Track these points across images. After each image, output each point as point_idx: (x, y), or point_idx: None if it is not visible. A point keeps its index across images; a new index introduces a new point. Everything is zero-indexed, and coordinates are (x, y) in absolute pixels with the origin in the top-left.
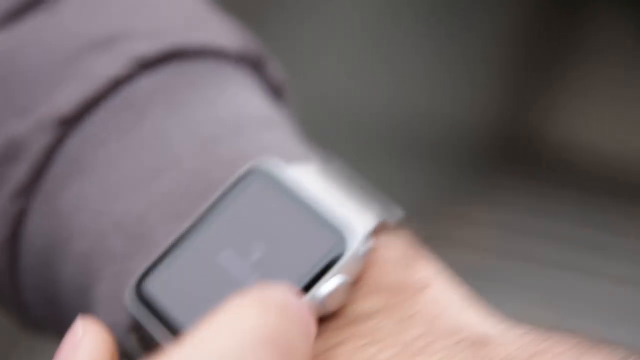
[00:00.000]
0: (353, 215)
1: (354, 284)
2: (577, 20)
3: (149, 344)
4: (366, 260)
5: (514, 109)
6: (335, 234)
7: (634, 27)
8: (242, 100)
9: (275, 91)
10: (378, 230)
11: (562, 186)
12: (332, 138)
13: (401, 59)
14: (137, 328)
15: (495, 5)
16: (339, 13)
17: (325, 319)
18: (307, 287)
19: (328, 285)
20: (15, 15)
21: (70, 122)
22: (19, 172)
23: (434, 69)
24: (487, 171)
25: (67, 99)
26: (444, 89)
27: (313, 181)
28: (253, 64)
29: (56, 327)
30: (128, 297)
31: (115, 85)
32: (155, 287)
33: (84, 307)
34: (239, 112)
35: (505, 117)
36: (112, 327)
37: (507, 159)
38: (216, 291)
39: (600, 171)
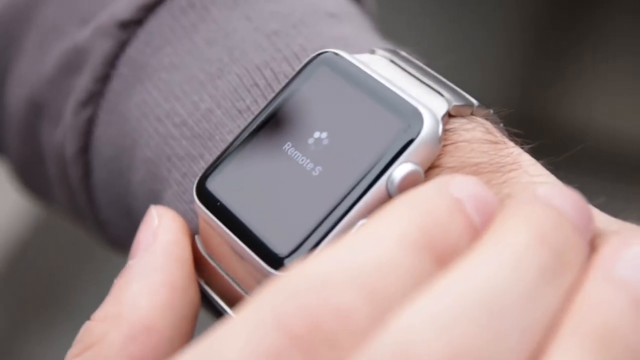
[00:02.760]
0: (426, 98)
1: (433, 168)
2: (592, 4)
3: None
4: (444, 142)
5: (527, 93)
6: (410, 115)
7: None
8: None
9: None
10: (454, 114)
11: (576, 171)
12: None
13: (410, 41)
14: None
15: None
16: None
17: None
18: (382, 172)
19: (405, 167)
20: None
21: (130, 26)
22: (83, 81)
23: (445, 51)
24: None
25: (126, 3)
26: (455, 72)
27: (381, 69)
28: None
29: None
30: (194, 196)
31: None
32: (220, 184)
33: None
34: (305, 5)
35: (517, 101)
36: None
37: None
38: (285, 183)
39: (614, 156)
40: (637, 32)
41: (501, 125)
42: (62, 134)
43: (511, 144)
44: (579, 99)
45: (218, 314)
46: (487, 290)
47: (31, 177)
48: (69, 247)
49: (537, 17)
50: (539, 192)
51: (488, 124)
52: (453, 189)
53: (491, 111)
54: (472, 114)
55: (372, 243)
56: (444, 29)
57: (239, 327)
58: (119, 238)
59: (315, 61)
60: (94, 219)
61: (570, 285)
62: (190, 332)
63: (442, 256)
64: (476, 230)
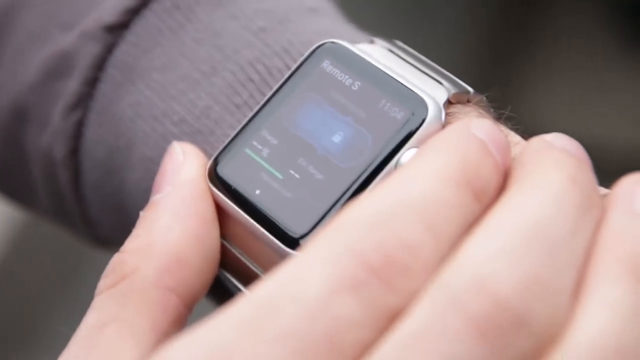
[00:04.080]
0: (428, 87)
1: None
2: (536, 9)
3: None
4: (446, 127)
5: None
6: (415, 102)
7: (593, 13)
8: None
9: None
10: (453, 101)
11: None
12: None
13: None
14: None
15: None
16: None
17: None
18: (390, 157)
19: (412, 152)
20: None
21: (117, 30)
22: (71, 85)
23: None
24: None
25: (111, 7)
26: None
27: (382, 58)
28: None
29: (124, 238)
30: (207, 182)
31: None
32: (232, 169)
33: None
34: (286, 2)
35: None
36: None
37: None
38: (296, 168)
39: None
40: (583, 32)
41: (491, 109)
42: (49, 138)
43: (501, 125)
44: (529, 100)
45: (221, 296)
46: (540, 224)
47: (11, 182)
48: (44, 272)
49: (485, 23)
50: (549, 138)
51: (480, 109)
52: (475, 131)
53: (484, 97)
54: (468, 100)
55: (420, 180)
56: (398, 31)
57: (314, 261)
58: (107, 235)
59: (318, 51)
60: (82, 218)
61: (598, 219)
62: (216, 266)
63: (478, 192)
64: (500, 168)
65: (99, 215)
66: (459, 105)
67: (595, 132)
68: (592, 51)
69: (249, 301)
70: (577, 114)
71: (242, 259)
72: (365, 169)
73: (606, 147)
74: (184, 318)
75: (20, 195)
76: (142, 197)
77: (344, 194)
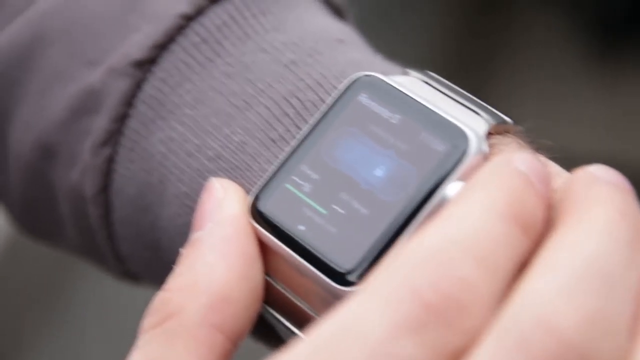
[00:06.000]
0: (467, 117)
1: None
2: (504, 20)
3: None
4: (488, 159)
5: None
6: (455, 134)
7: (559, 24)
8: (312, 22)
9: (337, 12)
10: (492, 132)
11: None
12: None
13: None
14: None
15: (424, 9)
16: None
17: None
18: (434, 190)
19: (456, 185)
20: None
21: (145, 65)
22: (100, 122)
23: None
24: None
25: (138, 43)
26: None
27: (419, 90)
28: None
29: (157, 274)
30: (250, 219)
31: (186, 22)
32: (274, 204)
33: None
34: (314, 34)
35: None
36: None
37: None
38: (340, 203)
39: None
40: (547, 43)
41: (529, 140)
42: (78, 175)
43: (541, 156)
44: (509, 112)
45: (265, 333)
46: (597, 261)
47: (38, 219)
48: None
49: (454, 33)
50: (593, 171)
51: (519, 140)
52: (518, 165)
53: (521, 128)
54: (506, 131)
55: (470, 217)
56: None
57: (373, 301)
58: (139, 271)
59: (354, 84)
60: (114, 254)
61: None
62: (261, 301)
63: (526, 227)
64: (545, 201)
65: (131, 251)
66: (498, 136)
67: (562, 142)
68: (558, 62)
69: (310, 342)
70: (543, 125)
71: (287, 295)
72: (411, 203)
73: (572, 158)
74: (230, 355)
75: (47, 232)
76: (178, 232)
77: (389, 228)
